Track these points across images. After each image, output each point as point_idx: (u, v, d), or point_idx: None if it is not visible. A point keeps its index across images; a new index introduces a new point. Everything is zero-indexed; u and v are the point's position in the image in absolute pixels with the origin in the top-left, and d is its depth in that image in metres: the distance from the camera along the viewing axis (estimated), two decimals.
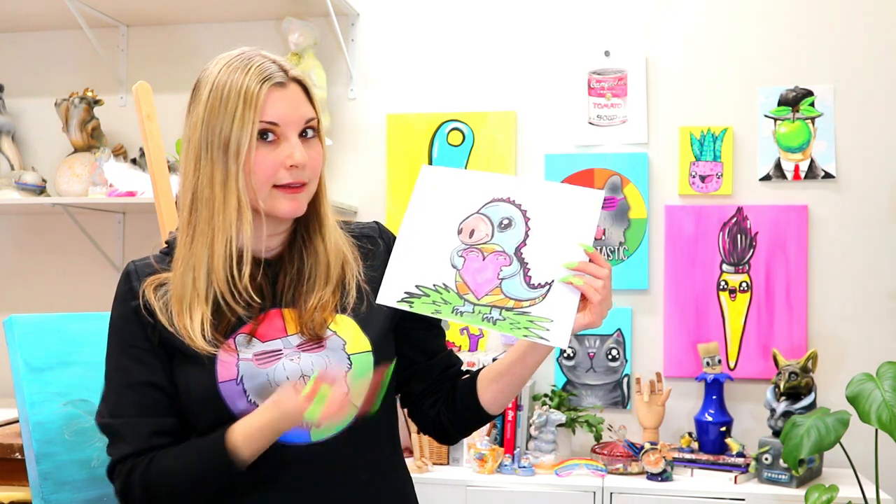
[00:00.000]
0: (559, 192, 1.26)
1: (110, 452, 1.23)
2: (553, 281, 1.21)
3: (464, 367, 1.43)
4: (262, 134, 1.20)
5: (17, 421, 2.48)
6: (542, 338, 1.20)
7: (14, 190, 2.88)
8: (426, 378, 1.39)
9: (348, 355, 1.24)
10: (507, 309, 1.21)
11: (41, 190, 2.92)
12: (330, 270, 1.27)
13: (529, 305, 1.21)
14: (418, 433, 2.44)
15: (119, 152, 2.95)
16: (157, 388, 1.22)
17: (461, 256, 1.24)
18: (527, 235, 1.23)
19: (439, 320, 1.36)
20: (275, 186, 1.21)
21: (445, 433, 1.40)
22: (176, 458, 1.19)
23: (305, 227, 1.29)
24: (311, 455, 1.22)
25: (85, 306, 2.91)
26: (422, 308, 1.21)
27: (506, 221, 1.24)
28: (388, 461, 1.32)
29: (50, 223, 3.07)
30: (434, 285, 1.22)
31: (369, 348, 1.26)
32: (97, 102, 2.94)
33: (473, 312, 1.21)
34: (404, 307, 1.22)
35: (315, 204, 1.28)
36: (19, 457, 2.29)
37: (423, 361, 1.38)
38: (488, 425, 2.40)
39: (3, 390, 2.86)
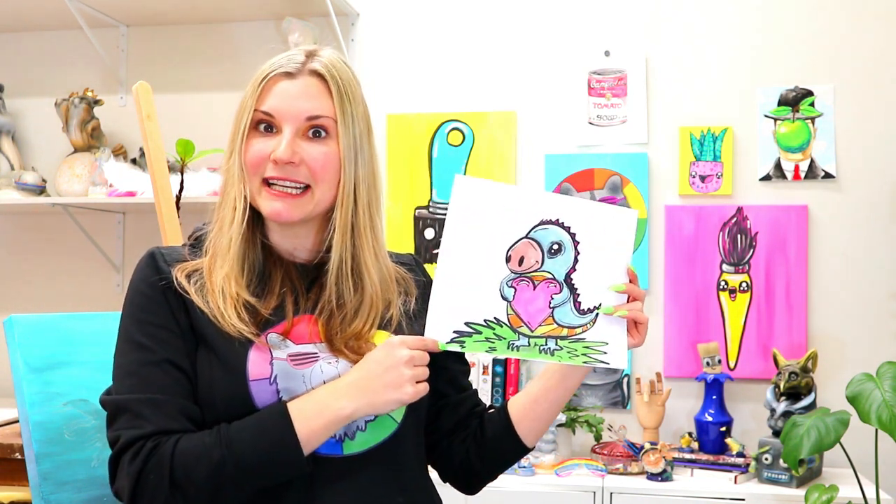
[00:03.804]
0: (599, 213, 1.21)
1: (123, 432, 1.08)
2: (600, 304, 1.20)
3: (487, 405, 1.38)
4: (259, 123, 1.17)
5: (17, 421, 2.48)
6: (602, 362, 1.19)
7: (14, 190, 2.88)
8: (458, 412, 1.33)
9: None
10: (562, 338, 1.18)
11: (41, 190, 2.92)
12: (371, 305, 1.20)
13: (583, 331, 1.19)
14: None
15: (119, 152, 2.95)
16: (181, 370, 1.12)
17: (511, 287, 1.17)
18: (576, 260, 1.19)
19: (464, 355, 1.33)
20: (264, 183, 1.16)
21: (473, 474, 1.33)
22: (215, 433, 1.07)
23: (349, 243, 1.19)
24: (342, 470, 1.14)
25: (85, 306, 2.91)
26: (475, 347, 1.15)
27: (556, 247, 1.19)
28: (423, 488, 1.24)
29: (50, 223, 3.07)
30: (485, 321, 1.16)
31: None
32: (97, 102, 2.94)
33: (529, 346, 1.17)
34: (455, 348, 1.15)
35: (357, 217, 1.19)
36: (19, 457, 2.29)
37: (453, 395, 1.33)
38: None
39: (3, 390, 2.86)
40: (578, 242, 1.19)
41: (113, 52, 3.07)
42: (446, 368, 1.31)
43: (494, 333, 1.16)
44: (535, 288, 1.18)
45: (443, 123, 2.86)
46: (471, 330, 1.15)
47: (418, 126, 2.87)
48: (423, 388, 1.12)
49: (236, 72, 2.93)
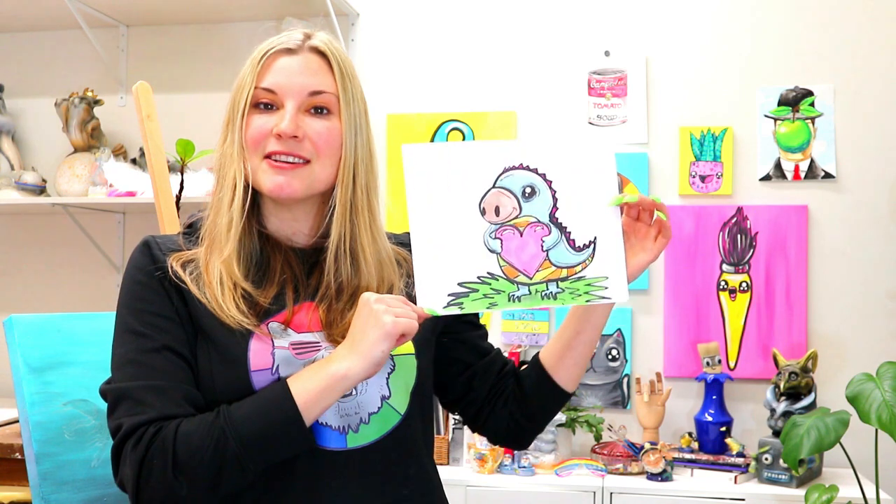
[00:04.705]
0: (569, 148, 1.16)
1: (125, 419, 1.05)
2: (595, 238, 1.15)
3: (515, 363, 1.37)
4: (258, 103, 1.16)
5: (17, 421, 2.48)
6: (603, 297, 1.15)
7: (14, 190, 2.88)
8: (488, 377, 1.31)
9: (391, 356, 1.16)
10: (563, 279, 1.14)
11: (41, 190, 2.92)
12: (372, 288, 1.17)
13: (582, 269, 1.15)
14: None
15: (119, 152, 2.95)
16: (182, 357, 1.10)
17: (496, 238, 1.13)
18: (555, 199, 1.14)
19: (479, 318, 1.31)
20: (265, 158, 1.15)
21: (522, 431, 1.32)
22: (216, 412, 1.05)
23: (347, 222, 1.18)
24: (346, 463, 1.12)
25: (85, 306, 2.91)
26: (474, 306, 1.11)
27: (528, 190, 1.14)
28: (428, 478, 1.23)
29: (50, 223, 3.07)
30: (479, 277, 1.12)
31: (412, 350, 1.19)
32: (97, 102, 2.94)
33: (531, 294, 1.13)
34: (454, 311, 1.11)
35: (355, 196, 1.18)
36: (19, 457, 2.29)
37: (478, 362, 1.32)
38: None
39: (3, 390, 2.86)
40: (551, 181, 1.15)
41: (113, 52, 3.07)
42: (463, 341, 1.30)
43: (492, 288, 1.12)
44: (521, 235, 1.13)
45: (443, 123, 2.86)
46: (466, 290, 1.12)
47: (418, 126, 2.87)
48: (408, 325, 1.07)
49: (236, 72, 2.92)
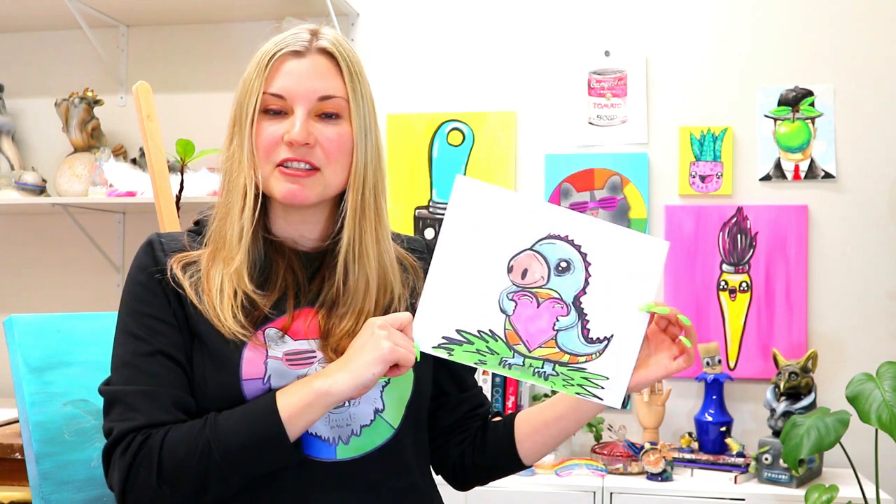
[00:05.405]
0: (621, 238, 1.11)
1: (116, 424, 1.06)
2: (612, 336, 1.11)
3: (492, 409, 1.33)
4: (267, 108, 1.13)
5: (17, 421, 2.48)
6: (595, 396, 1.12)
7: (14, 190, 2.88)
8: (455, 412, 1.30)
9: None
10: (561, 364, 1.10)
11: (41, 190, 2.92)
12: (372, 291, 1.16)
13: (585, 361, 1.10)
14: None
15: (119, 152, 2.95)
16: (176, 361, 1.10)
17: (512, 300, 1.08)
18: (587, 283, 1.10)
19: None
20: (277, 166, 1.12)
21: (465, 476, 1.31)
22: (203, 420, 1.05)
23: (356, 226, 1.16)
24: (337, 475, 1.11)
25: (85, 306, 2.91)
26: (463, 357, 1.09)
27: (564, 264, 1.09)
28: (420, 493, 1.20)
29: (50, 223, 3.07)
30: (479, 332, 1.08)
31: None
32: (97, 102, 2.94)
33: (524, 366, 1.09)
34: (441, 354, 1.09)
35: (364, 200, 1.16)
36: (19, 457, 2.29)
37: (454, 393, 1.30)
38: None
39: (3, 390, 2.86)
40: (590, 264, 1.10)
41: (113, 52, 3.07)
42: (449, 367, 1.27)
43: (487, 347, 1.09)
44: (538, 306, 1.09)
45: (443, 123, 2.86)
46: (461, 339, 1.09)
47: (418, 126, 2.88)
48: (404, 355, 1.05)
49: (236, 72, 2.91)
